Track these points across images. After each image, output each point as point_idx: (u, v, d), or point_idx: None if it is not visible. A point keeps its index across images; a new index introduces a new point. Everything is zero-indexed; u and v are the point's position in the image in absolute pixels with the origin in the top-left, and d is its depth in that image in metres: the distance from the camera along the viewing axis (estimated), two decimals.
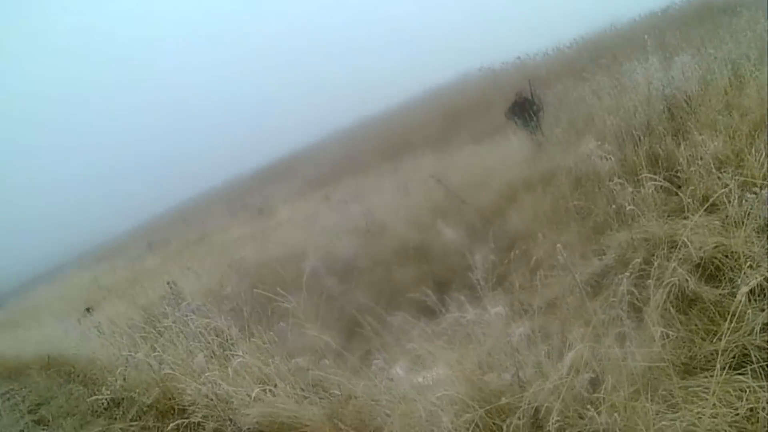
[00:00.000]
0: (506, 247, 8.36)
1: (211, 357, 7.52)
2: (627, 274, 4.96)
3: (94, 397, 8.68)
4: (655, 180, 7.68)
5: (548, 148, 12.27)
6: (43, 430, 9.28)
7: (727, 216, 6.16)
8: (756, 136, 8.21)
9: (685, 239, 5.84)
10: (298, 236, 14.79)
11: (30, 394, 12.05)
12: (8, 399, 11.89)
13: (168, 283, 14.69)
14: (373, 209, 13.63)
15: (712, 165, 7.33)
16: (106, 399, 8.56)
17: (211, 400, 6.69)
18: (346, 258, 10.89)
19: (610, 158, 9.25)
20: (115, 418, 8.26)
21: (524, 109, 13.98)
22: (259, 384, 6.32)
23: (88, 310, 18.78)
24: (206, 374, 6.80)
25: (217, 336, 8.06)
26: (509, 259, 7.45)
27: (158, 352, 8.46)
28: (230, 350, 7.50)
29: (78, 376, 11.46)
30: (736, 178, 6.57)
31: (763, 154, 7.14)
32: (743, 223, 5.96)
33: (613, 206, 7.48)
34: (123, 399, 8.66)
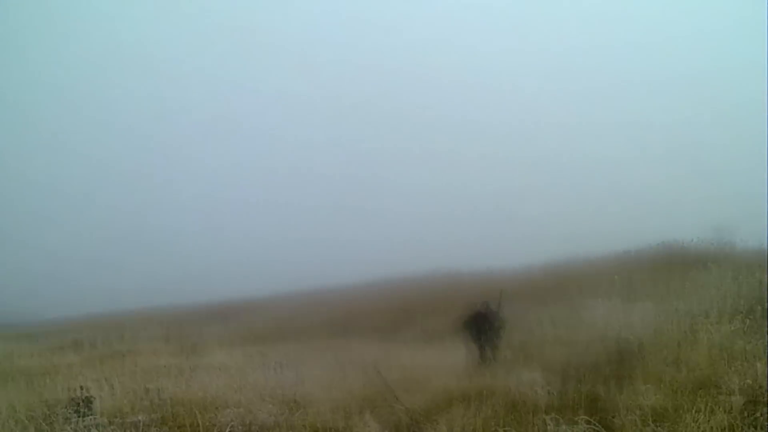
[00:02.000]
0: None
1: None
2: None
3: None
4: (590, 423, 7.47)
5: (494, 366, 12.08)
6: None
7: None
8: (698, 394, 8.09)
9: None
10: (222, 385, 14.32)
11: None
12: None
13: (81, 388, 14.08)
14: (306, 381, 13.25)
15: (649, 417, 7.15)
16: None
17: None
18: (264, 425, 10.44)
19: (551, 391, 9.08)
20: None
21: (484, 322, 13.80)
22: None
23: None
24: None
25: None
26: None
27: None
28: None
29: None
30: None
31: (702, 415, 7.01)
32: None
33: None
34: None
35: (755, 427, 7.11)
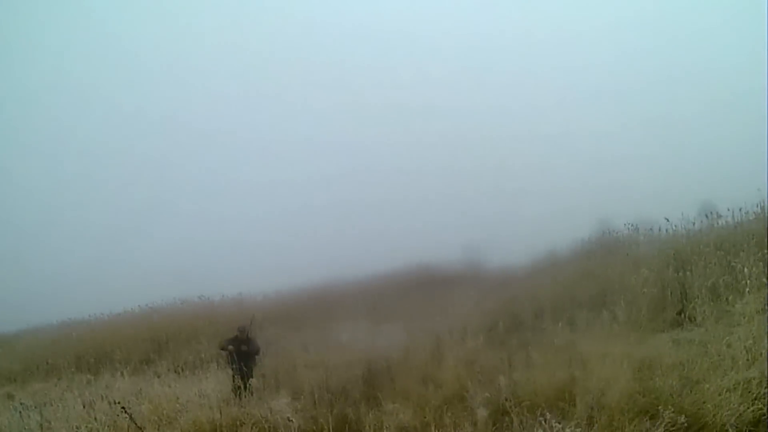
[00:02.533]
0: None
1: None
2: None
3: None
4: None
5: (246, 395, 11.99)
6: None
7: None
8: (445, 410, 8.37)
9: None
10: None
11: None
12: None
13: None
14: (53, 422, 12.64)
15: None
16: None
17: None
18: None
19: (301, 417, 9.12)
20: None
21: (236, 350, 13.64)
22: None
23: None
24: None
25: None
26: None
27: None
28: None
29: None
30: None
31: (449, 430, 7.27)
32: None
33: None
34: None
35: None
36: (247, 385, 12.47)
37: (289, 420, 8.78)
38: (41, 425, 12.03)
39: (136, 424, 10.51)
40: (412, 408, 8.57)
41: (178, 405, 12.21)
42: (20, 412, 14.51)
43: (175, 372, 18.75)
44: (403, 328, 12.74)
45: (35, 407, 14.84)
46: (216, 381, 14.08)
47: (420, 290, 21.07)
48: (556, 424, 6.87)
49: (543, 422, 7.00)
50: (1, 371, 27.86)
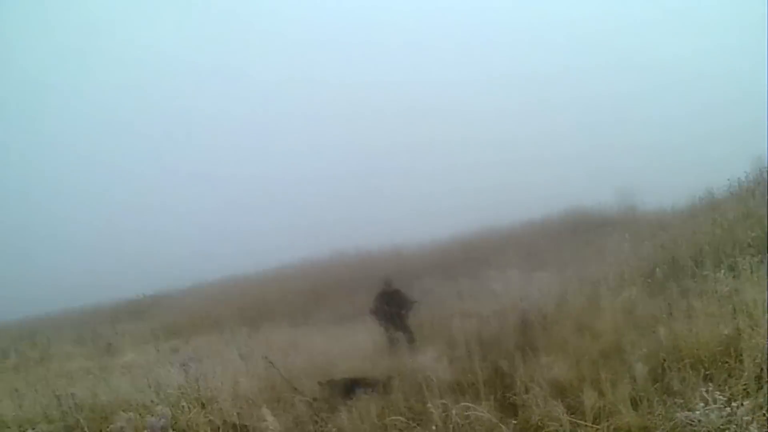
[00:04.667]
0: None
1: None
2: None
3: None
4: (493, 398, 7.30)
5: (401, 346, 11.83)
6: None
7: None
8: (602, 364, 7.94)
9: None
10: (130, 385, 13.92)
11: None
12: None
13: None
14: (213, 375, 12.90)
15: (549, 392, 6.97)
16: None
17: None
18: (154, 427, 10.06)
19: (455, 369, 8.90)
20: None
21: (390, 301, 13.52)
22: None
23: None
24: None
25: None
26: None
27: None
28: None
29: None
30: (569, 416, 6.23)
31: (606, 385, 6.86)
32: None
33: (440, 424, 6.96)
34: None
35: (666, 393, 6.98)
36: (401, 338, 12.31)
37: (443, 369, 8.60)
38: (198, 379, 12.27)
39: (283, 377, 10.57)
40: (567, 361, 8.18)
41: (333, 357, 12.24)
42: (184, 365, 15.00)
43: (333, 324, 18.90)
44: (558, 276, 12.26)
45: (197, 360, 15.29)
46: (370, 332, 14.03)
47: (574, 236, 20.49)
48: (719, 389, 6.31)
49: (707, 385, 6.45)
50: (169, 326, 29.03)
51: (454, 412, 7.05)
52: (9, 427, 11.80)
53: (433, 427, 6.90)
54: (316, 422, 8.75)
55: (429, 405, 7.39)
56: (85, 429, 9.34)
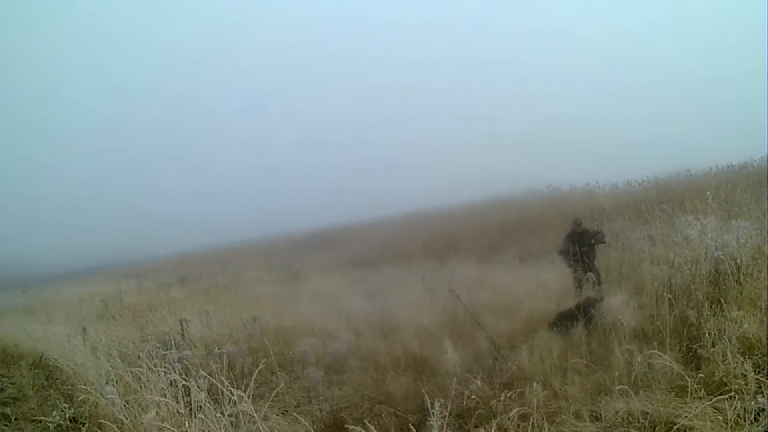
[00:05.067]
0: (505, 383, 7.85)
1: (169, 416, 7.16)
2: None
3: (46, 418, 8.39)
4: (678, 349, 7.16)
5: (587, 287, 11.69)
6: (5, 426, 9.03)
7: (735, 409, 5.56)
8: None
9: (686, 425, 5.32)
10: (318, 312, 14.48)
11: (9, 386, 11.86)
12: None
13: (180, 322, 14.51)
14: (395, 306, 13.22)
15: (737, 348, 6.75)
16: (55, 423, 8.26)
17: None
18: (338, 353, 10.45)
19: (641, 315, 8.75)
20: None
21: (579, 241, 13.37)
22: None
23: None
24: None
25: (185, 396, 7.68)
26: (501, 399, 6.94)
27: (127, 392, 8.23)
28: (192, 414, 7.10)
29: (60, 384, 11.20)
30: (756, 375, 6.03)
31: None
32: (751, 422, 5.38)
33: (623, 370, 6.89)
34: (81, 424, 8.40)
35: None
36: (588, 278, 12.16)
37: (629, 315, 8.46)
38: (383, 309, 12.56)
39: (469, 312, 10.68)
40: (759, 317, 7.86)
41: (517, 294, 12.26)
42: (369, 295, 15.43)
43: (520, 261, 18.85)
44: (756, 226, 11.66)
45: (382, 291, 15.67)
46: (557, 272, 13.93)
47: None
48: None
49: None
50: (356, 257, 29.74)
51: (638, 359, 6.97)
52: (197, 346, 12.57)
53: (616, 373, 6.84)
54: (496, 359, 8.85)
55: (615, 350, 7.34)
56: (270, 351, 9.80)
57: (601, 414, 6.31)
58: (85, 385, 9.09)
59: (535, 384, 6.86)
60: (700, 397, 5.98)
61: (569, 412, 6.44)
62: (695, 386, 6.11)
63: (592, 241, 13.46)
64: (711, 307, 8.55)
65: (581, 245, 13.22)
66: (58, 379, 11.59)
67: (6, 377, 12.74)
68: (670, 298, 8.65)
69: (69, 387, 10.63)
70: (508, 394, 7.05)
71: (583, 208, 22.67)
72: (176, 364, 8.81)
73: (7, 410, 9.82)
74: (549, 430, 6.15)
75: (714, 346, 7.00)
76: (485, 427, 6.50)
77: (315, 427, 6.35)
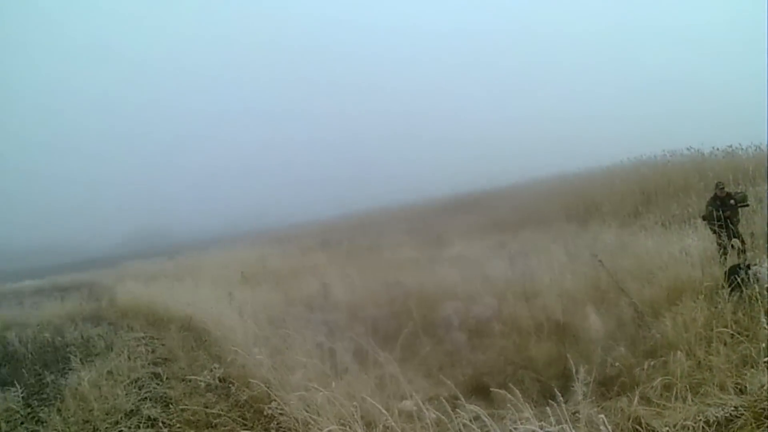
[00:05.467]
0: (649, 351, 7.87)
1: (316, 376, 7.50)
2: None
3: (196, 377, 8.90)
4: None
5: (731, 254, 11.40)
6: (157, 385, 9.57)
7: None
8: None
9: None
10: (458, 276, 14.62)
11: (160, 347, 12.58)
12: (140, 344, 12.46)
13: (323, 285, 14.97)
14: (537, 271, 13.25)
15: None
16: (205, 382, 8.75)
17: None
18: (480, 317, 10.62)
19: None
20: (215, 402, 8.38)
21: (723, 206, 13.02)
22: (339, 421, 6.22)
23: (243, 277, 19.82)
24: (297, 393, 6.82)
25: (331, 358, 8.02)
26: (644, 367, 6.99)
27: (274, 354, 8.61)
28: (338, 375, 7.44)
29: (209, 345, 11.80)
30: None
31: None
32: None
33: None
34: (230, 383, 8.86)
35: None
36: (732, 245, 11.87)
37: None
38: (524, 274, 12.63)
39: (612, 278, 10.63)
40: None
41: (660, 260, 12.08)
42: (510, 259, 15.47)
43: (662, 226, 18.46)
44: None
45: (523, 255, 15.69)
46: (701, 237, 13.62)
47: None
48: None
49: None
50: (496, 221, 29.69)
51: None
52: (340, 310, 12.93)
53: (762, 345, 6.76)
54: (640, 326, 8.84)
55: (762, 320, 7.21)
56: (414, 315, 10.04)
57: (746, 387, 6.27)
58: (233, 346, 9.57)
59: (678, 353, 6.88)
60: None
61: (713, 384, 6.41)
62: None
63: (734, 203, 13.08)
64: None
65: (724, 210, 12.89)
66: (206, 340, 12.21)
67: (157, 339, 13.47)
68: None
69: (217, 348, 11.19)
70: (652, 363, 7.09)
71: (725, 171, 21.92)
72: (321, 326, 9.18)
73: (159, 370, 10.44)
74: (692, 400, 6.16)
75: None
76: (628, 396, 6.57)
77: (458, 389, 6.52)
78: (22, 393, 9.11)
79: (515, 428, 5.23)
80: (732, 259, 11.05)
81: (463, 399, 6.05)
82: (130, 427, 7.85)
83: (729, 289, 8.80)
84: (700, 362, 6.99)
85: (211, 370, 9.04)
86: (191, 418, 7.89)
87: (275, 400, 7.34)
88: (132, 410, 8.46)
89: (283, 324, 10.27)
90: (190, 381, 9.28)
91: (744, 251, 11.82)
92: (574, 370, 6.06)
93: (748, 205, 13.52)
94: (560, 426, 5.06)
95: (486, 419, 5.34)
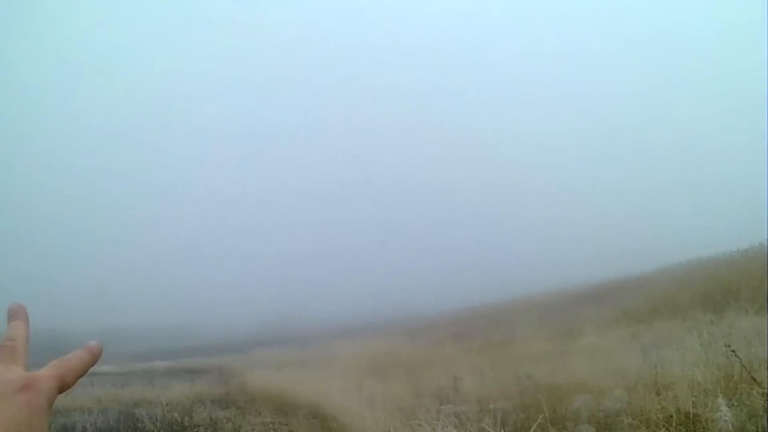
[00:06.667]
0: None
1: None
2: None
3: None
4: None
5: None
6: None
7: None
8: None
9: None
10: (589, 369, 14.49)
11: None
12: (268, 429, 12.77)
13: (454, 379, 15.05)
14: (667, 362, 13.01)
15: None
16: None
17: None
18: (610, 410, 10.48)
19: None
20: None
21: None
22: None
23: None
24: None
25: None
26: None
27: None
28: None
29: None
30: None
31: None
32: None
33: None
34: None
35: None
36: None
37: None
38: (656, 365, 12.41)
39: (745, 367, 10.34)
40: None
41: None
42: (642, 351, 15.21)
43: None
44: None
45: (656, 346, 15.41)
46: None
47: None
48: None
49: None
50: (630, 311, 29.22)
51: None
52: (470, 402, 12.96)
53: None
54: None
55: None
56: (543, 408, 10.02)
57: None
58: None
59: None
60: None
61: None
62: None
63: None
64: None
65: None
66: (334, 428, 12.44)
67: (285, 425, 13.79)
68: None
69: None
70: None
71: None
72: (451, 418, 9.28)
73: None
74: None
75: None
76: None
77: None
78: None
79: None
80: None
81: None
82: None
83: None
84: None
85: None
86: None
87: None
88: None
89: (413, 414, 10.41)
90: None
91: None
92: None
93: None
94: None
95: None
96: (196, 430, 13.22)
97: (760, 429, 8.28)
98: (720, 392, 9.73)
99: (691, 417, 9.53)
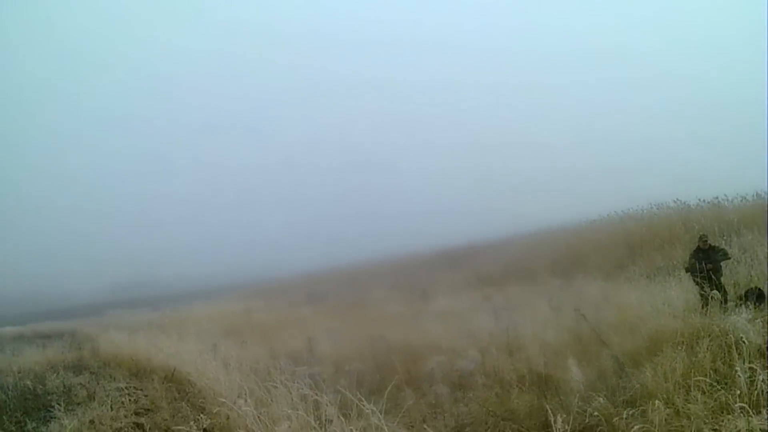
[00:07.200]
0: (628, 401, 7.92)
1: (300, 428, 7.53)
2: None
3: (180, 428, 8.84)
4: None
5: (713, 305, 11.47)
6: None
7: None
8: None
9: None
10: (443, 331, 14.72)
11: (143, 397, 12.56)
12: (122, 394, 12.39)
13: (308, 340, 15.01)
14: (520, 324, 13.33)
15: None
16: None
17: None
18: (464, 371, 10.68)
19: (765, 332, 8.61)
20: None
21: (705, 258, 13.14)
22: None
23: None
24: None
25: (316, 410, 8.04)
26: (624, 416, 7.04)
27: (259, 405, 8.61)
28: (323, 427, 7.45)
29: (193, 397, 11.78)
30: None
31: None
32: None
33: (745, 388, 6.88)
34: None
35: None
36: (713, 296, 11.97)
37: (751, 335, 8.36)
38: (508, 327, 12.70)
39: (594, 330, 10.71)
40: None
41: (643, 312, 12.17)
42: (494, 313, 15.56)
43: (647, 278, 18.61)
44: None
45: (508, 309, 15.79)
46: (684, 289, 13.72)
47: None
48: None
49: None
50: (481, 276, 29.84)
51: (761, 377, 6.94)
52: (325, 363, 12.98)
53: (738, 392, 6.84)
54: (620, 377, 8.90)
55: (737, 368, 7.29)
56: (398, 369, 10.09)
57: None
58: (217, 398, 9.59)
59: (657, 402, 6.94)
60: None
61: (691, 431, 6.48)
62: None
63: (718, 257, 13.23)
64: None
65: (707, 262, 13.02)
66: (190, 392, 12.22)
67: (140, 389, 13.46)
68: None
69: (201, 400, 11.21)
70: (631, 412, 7.14)
71: (711, 222, 22.17)
72: (306, 379, 9.21)
73: (142, 420, 10.46)
74: None
75: None
76: None
77: None
78: None
79: None
80: (713, 310, 11.14)
81: None
82: None
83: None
84: (678, 410, 7.04)
85: (196, 421, 9.01)
86: None
87: None
88: None
89: (268, 376, 10.28)
90: None
91: (725, 302, 11.94)
92: (553, 421, 6.13)
93: (729, 258, 13.69)
94: None
95: None
96: (49, 397, 12.76)
97: (609, 388, 8.55)
98: (570, 353, 9.99)
99: (543, 377, 9.77)
